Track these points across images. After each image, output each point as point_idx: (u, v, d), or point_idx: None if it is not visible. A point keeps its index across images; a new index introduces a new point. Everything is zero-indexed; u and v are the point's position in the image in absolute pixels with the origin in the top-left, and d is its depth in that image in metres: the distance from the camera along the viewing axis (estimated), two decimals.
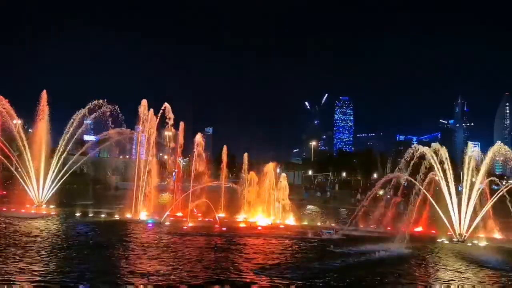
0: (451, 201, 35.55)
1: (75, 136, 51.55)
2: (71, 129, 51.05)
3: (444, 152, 37.53)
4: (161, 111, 47.00)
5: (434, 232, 37.17)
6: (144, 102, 47.70)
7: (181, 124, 48.04)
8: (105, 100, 50.08)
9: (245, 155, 54.69)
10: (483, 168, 36.56)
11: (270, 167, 47.45)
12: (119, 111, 49.96)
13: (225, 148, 57.41)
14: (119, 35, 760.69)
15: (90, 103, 50.04)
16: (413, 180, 36.90)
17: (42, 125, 50.06)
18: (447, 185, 35.97)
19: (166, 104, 47.15)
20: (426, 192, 35.42)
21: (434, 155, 37.29)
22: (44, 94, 50.79)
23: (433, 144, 39.15)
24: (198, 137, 45.81)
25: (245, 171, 51.09)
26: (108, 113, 49.44)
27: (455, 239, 34.46)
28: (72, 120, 51.13)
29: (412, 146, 39.84)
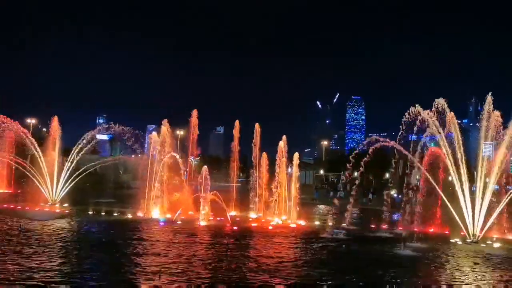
0: (464, 200, 35.04)
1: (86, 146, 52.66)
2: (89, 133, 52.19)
3: (452, 119, 35.59)
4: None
5: (446, 232, 36.77)
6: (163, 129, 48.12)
7: (194, 112, 47.49)
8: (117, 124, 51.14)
9: (257, 126, 50.83)
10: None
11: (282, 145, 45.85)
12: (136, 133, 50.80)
13: (237, 123, 52.36)
14: (119, 35, 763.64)
15: (112, 129, 51.15)
16: (401, 148, 36.09)
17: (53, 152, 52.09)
18: (459, 179, 35.12)
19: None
20: (421, 166, 34.61)
21: (435, 119, 35.33)
22: (55, 119, 51.92)
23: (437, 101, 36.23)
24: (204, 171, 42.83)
25: (256, 145, 49.91)
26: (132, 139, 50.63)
27: (468, 240, 34.03)
28: (82, 139, 52.40)
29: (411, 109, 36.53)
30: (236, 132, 52.45)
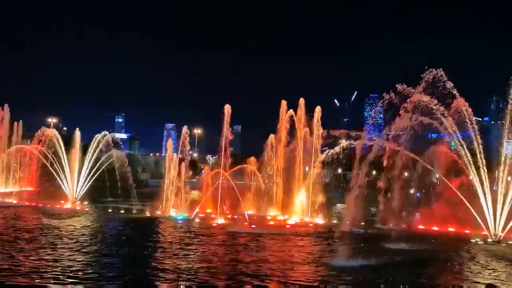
0: (486, 200, 34.41)
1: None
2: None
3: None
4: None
5: (467, 232, 36.20)
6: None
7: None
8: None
9: (271, 136, 49.60)
10: None
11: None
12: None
13: (252, 160, 52.30)
14: (119, 35, 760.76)
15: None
16: (409, 153, 35.04)
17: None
18: (480, 180, 34.46)
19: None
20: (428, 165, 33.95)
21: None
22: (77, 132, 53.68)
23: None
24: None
25: (272, 157, 49.54)
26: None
27: (490, 240, 33.44)
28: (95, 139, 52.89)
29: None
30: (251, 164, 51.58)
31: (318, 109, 46.31)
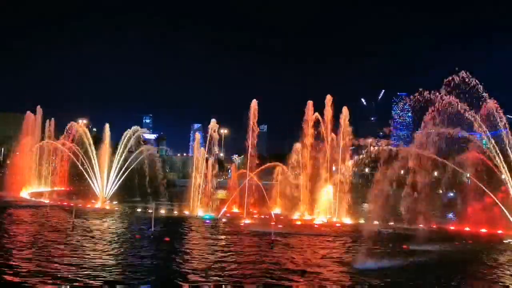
0: None
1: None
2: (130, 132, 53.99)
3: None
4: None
5: (500, 232, 35.34)
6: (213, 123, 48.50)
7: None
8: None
9: (310, 102, 48.19)
10: None
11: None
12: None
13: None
14: (119, 35, 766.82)
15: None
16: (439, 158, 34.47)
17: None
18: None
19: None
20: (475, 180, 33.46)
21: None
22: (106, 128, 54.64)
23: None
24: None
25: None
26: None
27: None
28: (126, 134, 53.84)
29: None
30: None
31: (345, 110, 45.82)
